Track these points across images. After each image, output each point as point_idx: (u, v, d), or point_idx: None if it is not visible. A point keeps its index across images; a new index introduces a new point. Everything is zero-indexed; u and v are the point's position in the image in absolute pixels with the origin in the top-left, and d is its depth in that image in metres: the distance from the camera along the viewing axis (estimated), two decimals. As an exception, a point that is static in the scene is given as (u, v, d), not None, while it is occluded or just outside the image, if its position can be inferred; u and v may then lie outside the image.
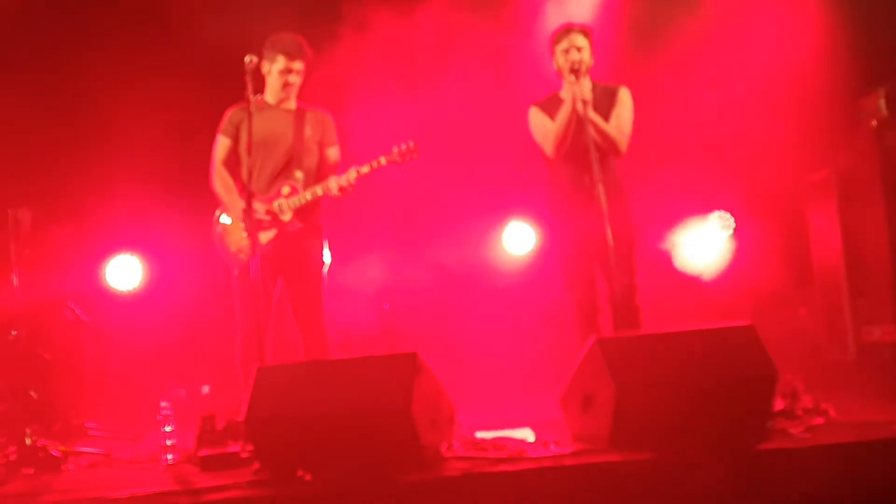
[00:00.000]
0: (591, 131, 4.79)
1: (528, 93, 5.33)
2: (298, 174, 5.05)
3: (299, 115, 5.15)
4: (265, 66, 5.07)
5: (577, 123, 4.87)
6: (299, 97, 5.22)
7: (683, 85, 6.40)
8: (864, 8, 6.31)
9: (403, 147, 4.96)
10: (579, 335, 4.87)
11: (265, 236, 4.96)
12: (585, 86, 4.90)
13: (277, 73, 5.09)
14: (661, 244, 6.69)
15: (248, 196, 4.73)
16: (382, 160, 4.97)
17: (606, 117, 5.00)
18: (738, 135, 6.61)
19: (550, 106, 5.09)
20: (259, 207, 4.95)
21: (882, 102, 6.14)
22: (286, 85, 5.10)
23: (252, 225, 4.68)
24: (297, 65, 5.09)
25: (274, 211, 4.99)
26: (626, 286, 4.86)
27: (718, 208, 6.96)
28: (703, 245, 6.88)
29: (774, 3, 6.46)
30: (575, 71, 4.90)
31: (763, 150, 6.56)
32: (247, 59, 4.78)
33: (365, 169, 4.97)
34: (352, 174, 4.95)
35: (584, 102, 4.83)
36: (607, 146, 4.98)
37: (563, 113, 4.94)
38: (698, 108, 6.43)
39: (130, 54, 6.44)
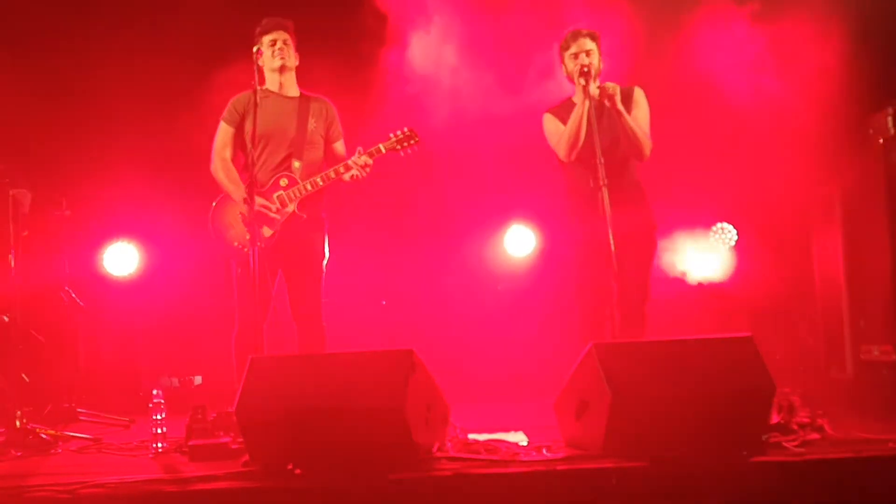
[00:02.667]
0: (600, 138, 4.75)
1: (533, 93, 5.31)
2: (296, 164, 5.01)
3: (303, 104, 5.12)
4: (260, 58, 5.02)
5: (588, 127, 4.85)
6: (301, 85, 5.18)
7: (691, 96, 6.38)
8: (874, 26, 6.29)
9: (399, 134, 4.98)
10: (584, 341, 4.82)
11: (268, 230, 4.92)
12: (593, 90, 4.89)
13: (267, 54, 5.02)
14: (663, 253, 6.66)
15: (251, 187, 4.70)
16: (382, 147, 4.99)
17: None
18: (743, 148, 6.59)
19: (564, 111, 5.07)
20: (261, 202, 4.91)
21: (890, 120, 6.10)
22: (281, 68, 5.03)
23: (253, 217, 4.65)
24: (278, 35, 5.03)
25: (275, 204, 4.96)
26: (637, 294, 4.83)
27: (721, 220, 6.94)
28: (705, 256, 6.85)
29: (784, 19, 6.43)
30: (585, 74, 4.88)
31: (769, 165, 6.54)
32: (255, 48, 4.76)
33: (368, 159, 4.97)
34: (360, 160, 4.94)
35: (611, 97, 4.82)
36: (632, 149, 4.96)
37: (575, 115, 4.92)
38: (705, 120, 6.41)
39: (132, 39, 6.44)
